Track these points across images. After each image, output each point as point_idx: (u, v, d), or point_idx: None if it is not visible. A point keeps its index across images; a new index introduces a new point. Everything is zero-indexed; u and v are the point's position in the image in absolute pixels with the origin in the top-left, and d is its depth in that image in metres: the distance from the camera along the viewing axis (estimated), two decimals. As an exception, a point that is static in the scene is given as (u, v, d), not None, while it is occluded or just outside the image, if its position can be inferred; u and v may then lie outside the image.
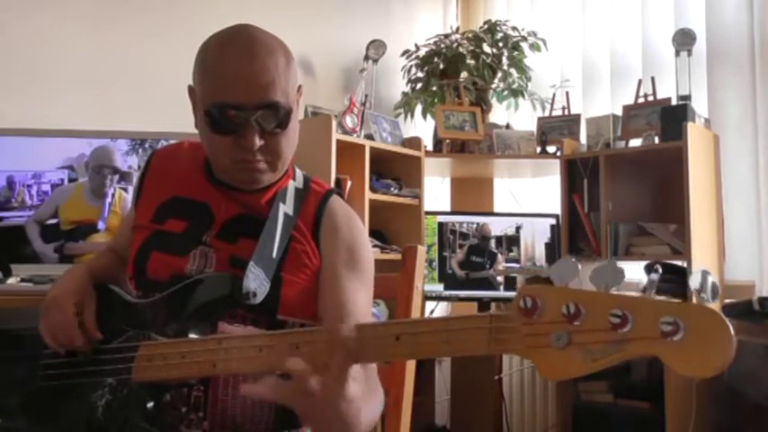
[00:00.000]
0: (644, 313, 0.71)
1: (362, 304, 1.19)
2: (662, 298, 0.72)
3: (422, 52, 3.55)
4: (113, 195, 2.12)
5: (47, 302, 1.19)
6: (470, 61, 3.48)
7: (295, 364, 0.85)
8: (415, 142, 3.23)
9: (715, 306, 0.72)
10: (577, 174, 3.18)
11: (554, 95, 3.42)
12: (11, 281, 1.96)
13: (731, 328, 0.68)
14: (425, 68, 3.51)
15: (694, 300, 0.72)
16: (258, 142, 1.13)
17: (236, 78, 1.11)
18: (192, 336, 1.09)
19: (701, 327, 0.69)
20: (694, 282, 0.72)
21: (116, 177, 2.12)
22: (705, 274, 0.73)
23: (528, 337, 0.78)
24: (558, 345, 0.75)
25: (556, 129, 3.34)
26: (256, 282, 1.13)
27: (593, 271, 0.76)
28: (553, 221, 3.29)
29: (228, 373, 1.10)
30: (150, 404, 1.07)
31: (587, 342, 0.74)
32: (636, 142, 3.05)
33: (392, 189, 3.12)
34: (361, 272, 1.23)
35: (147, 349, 1.08)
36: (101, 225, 2.10)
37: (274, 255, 1.17)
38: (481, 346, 0.81)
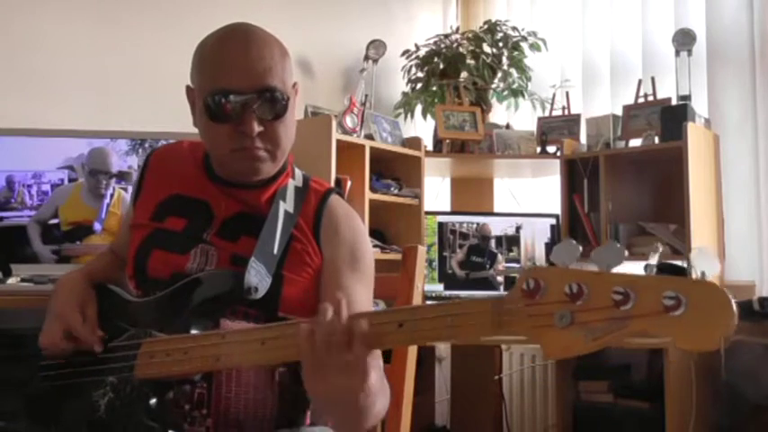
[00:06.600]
0: (646, 289, 0.72)
1: (363, 305, 1.19)
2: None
3: (422, 52, 3.54)
4: (112, 196, 2.11)
5: (51, 316, 1.20)
6: (470, 61, 3.47)
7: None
8: (415, 142, 3.23)
9: (714, 280, 0.71)
10: (577, 174, 3.18)
11: (554, 95, 3.42)
12: (11, 281, 1.96)
13: (733, 301, 0.68)
14: (425, 68, 3.51)
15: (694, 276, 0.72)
16: (257, 128, 1.14)
17: (233, 65, 1.13)
18: (194, 332, 1.09)
19: (702, 301, 0.69)
20: (694, 258, 0.72)
21: (113, 180, 2.11)
22: (703, 250, 0.73)
23: (531, 317, 0.78)
24: (561, 324, 0.75)
25: (556, 129, 3.34)
26: (258, 277, 1.13)
27: (594, 252, 0.77)
28: (553, 221, 3.29)
29: (231, 367, 1.10)
30: (153, 401, 1.07)
31: (590, 320, 0.74)
32: (636, 142, 3.05)
33: (392, 189, 3.11)
34: (362, 271, 1.24)
35: (150, 346, 1.09)
36: (97, 226, 2.09)
37: (275, 251, 1.18)
38: (485, 329, 0.82)
